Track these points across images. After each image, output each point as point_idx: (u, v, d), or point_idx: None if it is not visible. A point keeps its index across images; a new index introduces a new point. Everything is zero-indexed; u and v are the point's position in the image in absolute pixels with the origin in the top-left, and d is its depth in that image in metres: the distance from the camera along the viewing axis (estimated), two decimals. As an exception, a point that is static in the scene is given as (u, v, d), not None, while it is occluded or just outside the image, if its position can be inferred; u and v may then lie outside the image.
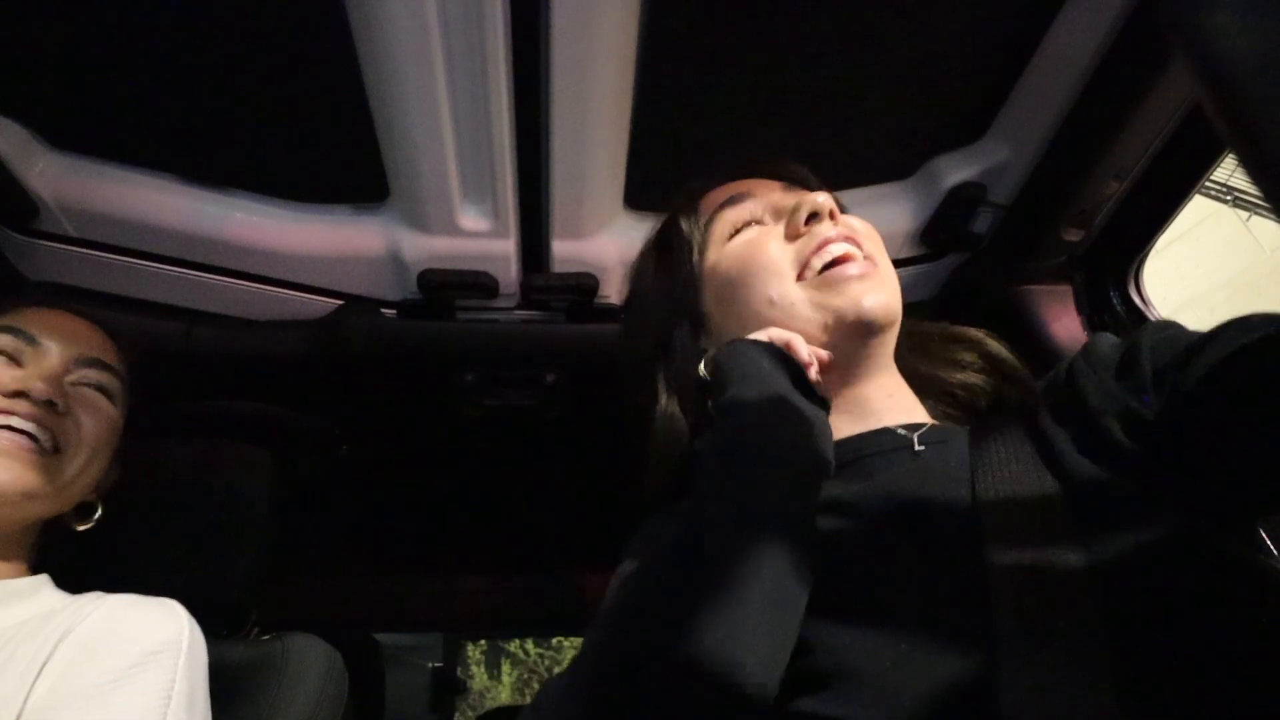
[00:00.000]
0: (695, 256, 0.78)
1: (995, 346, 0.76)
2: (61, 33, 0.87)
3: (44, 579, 0.82)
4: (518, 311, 1.22)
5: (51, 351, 0.84)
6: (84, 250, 1.10)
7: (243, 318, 1.22)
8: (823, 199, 0.72)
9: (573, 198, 1.04)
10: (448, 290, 1.15)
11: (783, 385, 0.63)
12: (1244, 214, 6.90)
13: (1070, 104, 0.99)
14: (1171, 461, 0.55)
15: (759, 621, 0.53)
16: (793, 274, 0.71)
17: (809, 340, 0.68)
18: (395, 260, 1.13)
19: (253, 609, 1.06)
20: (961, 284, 1.24)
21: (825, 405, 0.65)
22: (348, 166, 1.05)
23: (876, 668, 0.52)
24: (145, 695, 0.68)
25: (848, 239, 0.70)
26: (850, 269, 0.69)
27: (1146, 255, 1.12)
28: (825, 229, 0.71)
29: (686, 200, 0.83)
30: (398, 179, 1.03)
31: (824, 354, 0.68)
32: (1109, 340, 0.66)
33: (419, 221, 1.08)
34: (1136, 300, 1.13)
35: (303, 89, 0.93)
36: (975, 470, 0.61)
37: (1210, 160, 0.99)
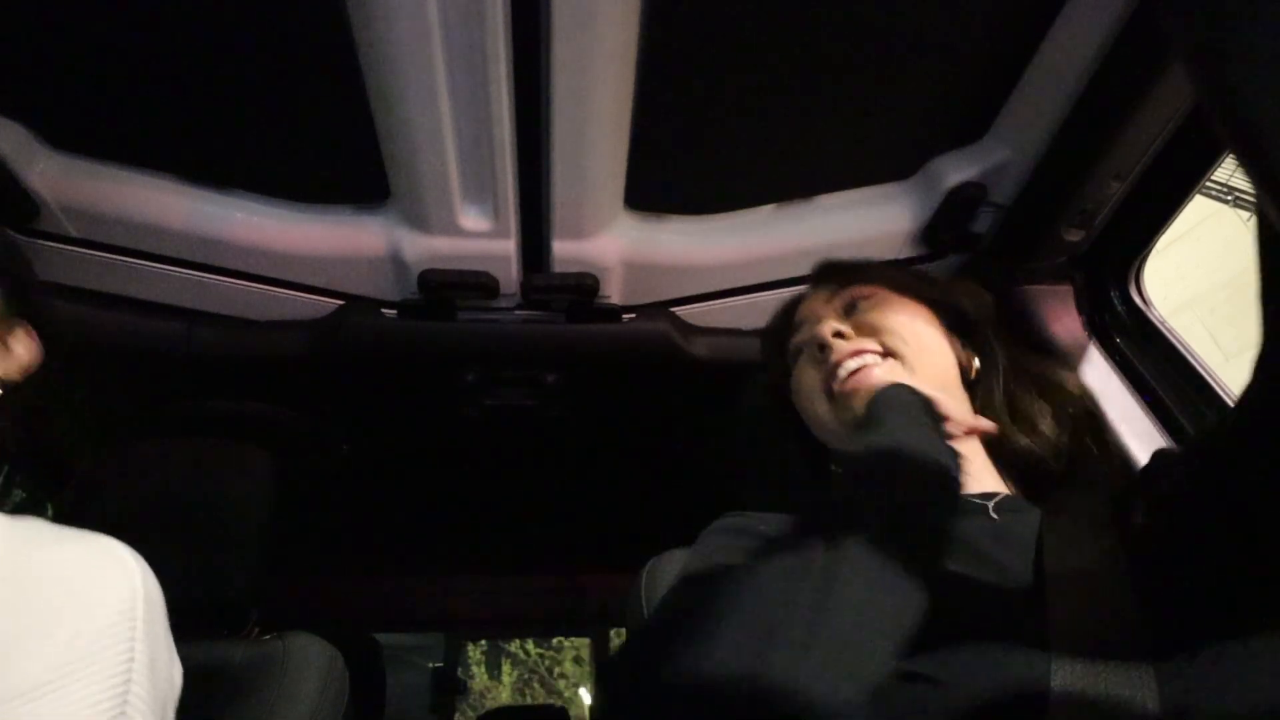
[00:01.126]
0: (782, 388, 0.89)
1: (1094, 407, 0.79)
2: (62, 34, 0.87)
3: None
4: (518, 311, 1.22)
5: None
6: (85, 250, 1.10)
7: (243, 318, 1.22)
8: (824, 330, 0.79)
9: (573, 198, 1.04)
10: (448, 290, 1.15)
11: (927, 429, 0.68)
12: (1245, 214, 6.89)
13: (1071, 104, 0.98)
14: (1215, 517, 0.57)
15: (870, 646, 0.53)
16: (824, 399, 0.79)
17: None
18: (396, 260, 1.13)
19: (253, 609, 1.06)
20: (962, 284, 1.24)
21: (956, 456, 0.68)
22: (348, 167, 1.04)
23: (933, 673, 0.54)
24: (100, 683, 0.58)
25: (855, 352, 0.77)
26: (851, 383, 0.76)
27: (1147, 255, 1.12)
28: (834, 354, 0.78)
29: (767, 340, 0.94)
30: (398, 179, 1.03)
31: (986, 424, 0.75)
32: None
33: (419, 221, 1.08)
34: (1137, 300, 1.13)
35: (303, 89, 0.93)
36: (1044, 542, 0.63)
37: (1211, 160, 0.99)
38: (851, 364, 0.77)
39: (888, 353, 0.77)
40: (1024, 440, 0.78)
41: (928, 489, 0.62)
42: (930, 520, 0.61)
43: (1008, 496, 0.73)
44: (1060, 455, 0.77)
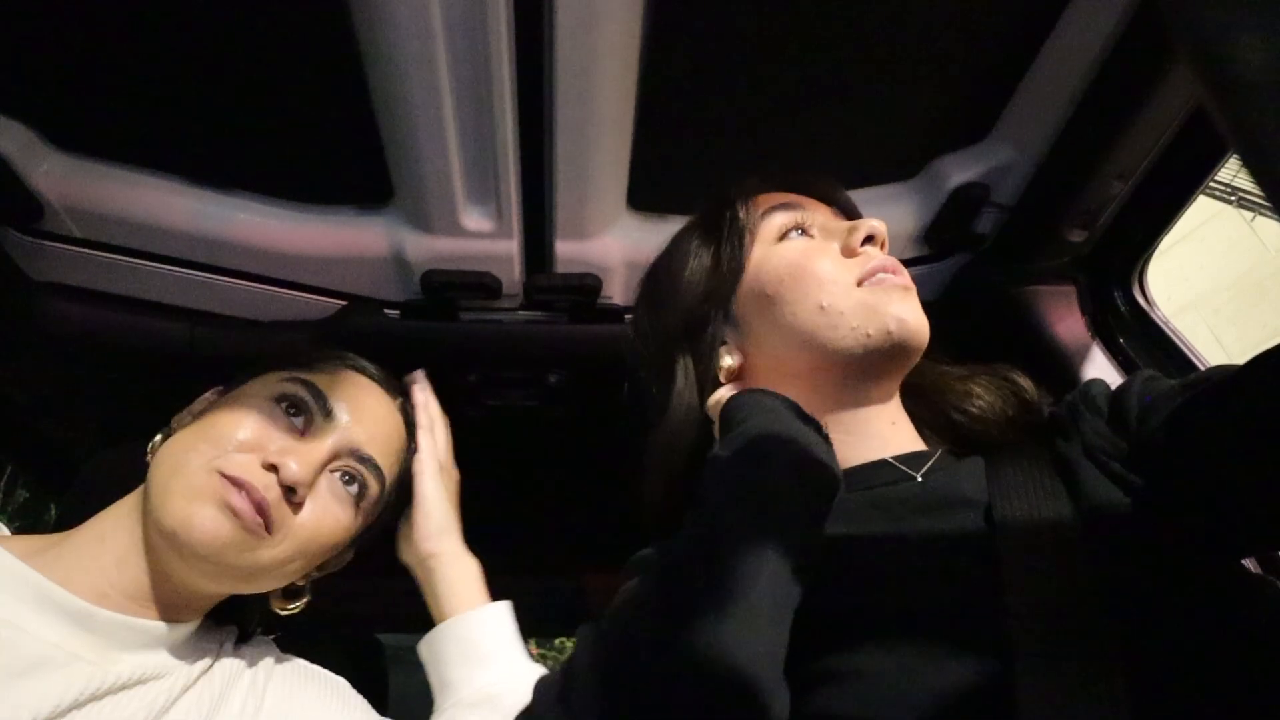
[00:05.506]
0: (743, 246, 0.76)
1: (1022, 383, 0.76)
2: (66, 34, 0.87)
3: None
4: (521, 312, 1.22)
5: (333, 432, 0.77)
6: (88, 251, 1.10)
7: (247, 318, 1.22)
8: (881, 224, 0.75)
9: (576, 198, 1.04)
10: (451, 291, 1.15)
11: (793, 417, 0.66)
12: (1248, 215, 6.87)
13: (1074, 104, 0.98)
14: (1160, 494, 0.58)
15: (771, 628, 0.54)
16: (852, 283, 0.71)
17: (838, 358, 0.70)
18: (398, 261, 1.13)
19: (255, 609, 1.06)
20: (965, 285, 1.24)
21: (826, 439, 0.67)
22: (351, 168, 1.05)
23: (894, 671, 0.53)
24: None
25: (897, 269, 0.73)
26: (900, 284, 0.72)
27: (1151, 256, 1.12)
28: (879, 254, 0.74)
29: (743, 191, 0.81)
30: (401, 180, 1.03)
31: None
32: (1102, 386, 0.70)
33: (422, 222, 1.08)
34: (1140, 301, 1.13)
35: (307, 90, 0.93)
36: (992, 493, 0.62)
37: (1215, 161, 0.99)
38: (902, 279, 0.72)
39: None
40: (954, 410, 0.76)
41: (799, 473, 0.60)
42: (807, 504, 0.59)
43: (939, 457, 0.72)
44: (992, 420, 0.74)
